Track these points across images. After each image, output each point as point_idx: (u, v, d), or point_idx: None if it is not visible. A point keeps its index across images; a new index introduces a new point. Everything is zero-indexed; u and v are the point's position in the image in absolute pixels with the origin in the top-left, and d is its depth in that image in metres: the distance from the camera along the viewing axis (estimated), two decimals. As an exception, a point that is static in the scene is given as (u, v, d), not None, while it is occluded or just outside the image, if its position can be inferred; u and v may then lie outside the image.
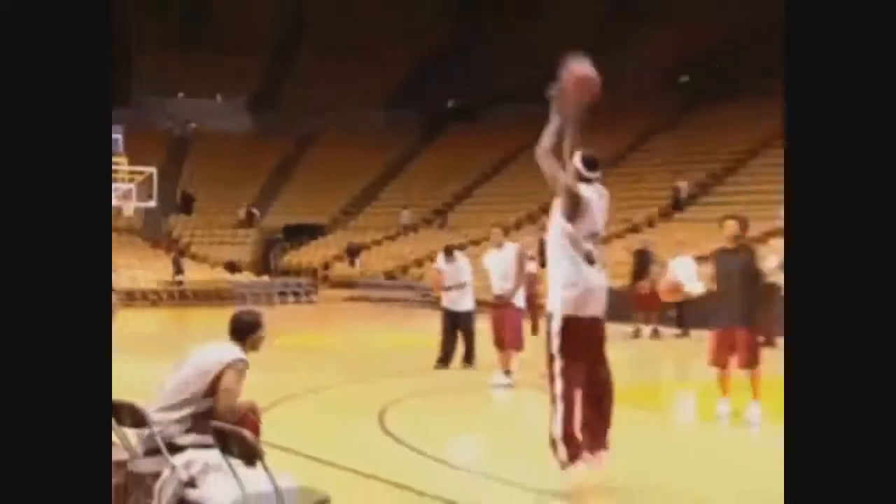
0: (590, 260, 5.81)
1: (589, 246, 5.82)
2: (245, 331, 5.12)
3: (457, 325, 11.92)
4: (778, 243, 16.94)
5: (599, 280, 5.88)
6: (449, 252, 12.24)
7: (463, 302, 11.90)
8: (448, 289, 11.92)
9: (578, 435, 5.73)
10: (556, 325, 5.78)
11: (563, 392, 5.72)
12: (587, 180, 5.84)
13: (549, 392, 5.84)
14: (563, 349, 5.73)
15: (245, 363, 5.00)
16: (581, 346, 5.77)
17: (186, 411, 4.88)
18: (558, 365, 5.74)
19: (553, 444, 5.76)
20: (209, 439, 4.43)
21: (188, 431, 4.84)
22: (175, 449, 4.75)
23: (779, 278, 8.56)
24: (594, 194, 5.86)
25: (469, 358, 11.91)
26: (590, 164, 5.87)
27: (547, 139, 5.72)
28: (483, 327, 11.33)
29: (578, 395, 5.74)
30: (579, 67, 5.68)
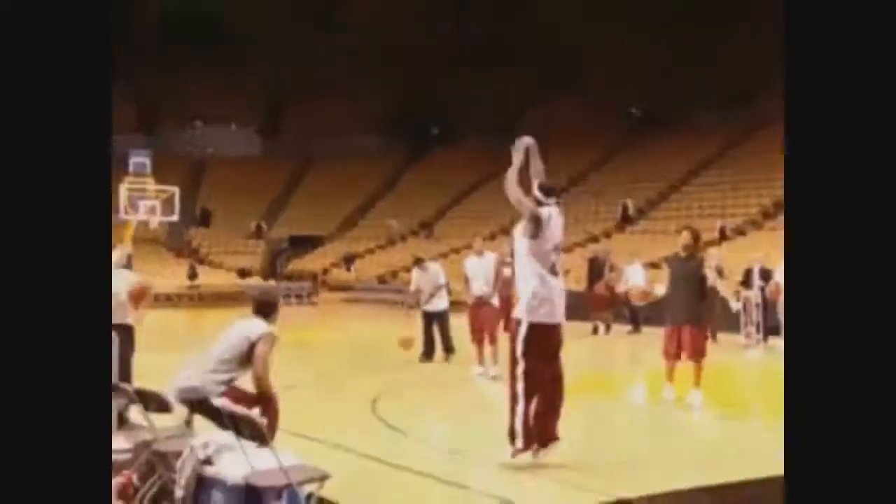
0: (553, 272, 5.88)
1: (552, 258, 5.89)
2: (271, 309, 5.46)
3: (433, 322, 11.90)
4: (715, 252, 17.11)
5: (560, 290, 5.94)
6: (420, 263, 12.22)
7: (438, 303, 11.86)
8: (431, 295, 11.88)
9: (533, 428, 5.76)
10: (523, 331, 5.80)
11: (524, 391, 5.73)
12: (545, 204, 6.00)
13: (510, 389, 5.84)
14: (527, 353, 5.75)
15: (274, 336, 5.25)
16: (542, 350, 5.79)
17: (225, 377, 5.12)
18: (521, 367, 5.76)
19: (511, 434, 5.78)
20: (234, 404, 4.54)
21: (222, 395, 5.01)
22: (208, 409, 4.82)
23: (716, 282, 8.66)
24: (552, 213, 5.97)
25: (448, 350, 11.87)
26: (546, 191, 6.07)
27: (511, 175, 5.93)
28: (461, 324, 11.30)
29: (536, 393, 5.76)
30: None
